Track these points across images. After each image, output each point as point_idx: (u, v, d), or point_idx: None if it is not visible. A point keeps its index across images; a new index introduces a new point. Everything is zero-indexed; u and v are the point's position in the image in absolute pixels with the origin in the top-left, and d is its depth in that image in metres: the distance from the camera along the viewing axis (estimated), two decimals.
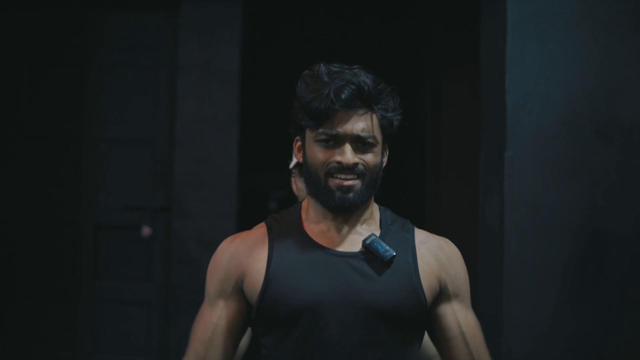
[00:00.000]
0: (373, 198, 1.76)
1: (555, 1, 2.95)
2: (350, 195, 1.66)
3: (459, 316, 1.73)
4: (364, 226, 1.74)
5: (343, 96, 1.64)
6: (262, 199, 6.04)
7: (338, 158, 1.66)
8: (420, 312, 1.68)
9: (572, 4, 2.95)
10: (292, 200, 2.57)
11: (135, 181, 4.38)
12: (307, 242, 1.70)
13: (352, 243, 1.71)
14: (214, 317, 1.71)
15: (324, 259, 1.67)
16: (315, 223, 1.73)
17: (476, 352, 1.73)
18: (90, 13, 4.43)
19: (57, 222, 4.42)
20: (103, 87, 4.40)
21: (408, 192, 5.93)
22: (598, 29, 2.95)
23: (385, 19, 6.04)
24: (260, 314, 1.67)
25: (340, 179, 1.66)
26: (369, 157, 1.68)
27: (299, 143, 1.76)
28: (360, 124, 1.66)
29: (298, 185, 2.44)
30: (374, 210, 1.77)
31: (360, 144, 1.67)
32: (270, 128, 4.44)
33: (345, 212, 1.69)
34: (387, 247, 1.67)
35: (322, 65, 1.69)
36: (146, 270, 4.37)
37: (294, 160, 2.44)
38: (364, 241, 1.68)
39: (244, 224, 3.98)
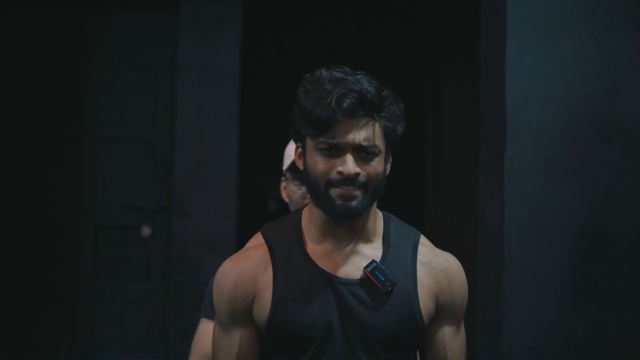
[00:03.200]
0: (376, 206, 1.74)
1: (555, 1, 2.95)
2: (353, 203, 1.63)
3: (447, 340, 1.75)
4: (366, 245, 1.72)
5: (345, 105, 1.59)
6: (262, 199, 6.04)
7: (339, 168, 1.62)
8: (418, 335, 1.71)
9: (572, 4, 2.95)
10: None
11: (135, 181, 4.38)
12: (311, 268, 1.68)
13: (354, 266, 1.69)
14: (234, 347, 1.70)
15: (327, 287, 1.67)
16: (317, 243, 1.71)
17: None
18: (90, 13, 4.43)
19: (57, 222, 4.41)
20: (103, 87, 4.41)
21: (408, 192, 5.92)
22: (598, 29, 2.94)
23: (385, 19, 6.03)
24: (268, 338, 1.68)
25: (341, 188, 1.63)
26: (371, 167, 1.64)
27: (299, 150, 1.73)
28: (362, 133, 1.62)
29: (290, 188, 2.29)
30: (377, 222, 1.75)
31: (363, 153, 1.63)
32: (270, 128, 4.44)
33: (346, 219, 1.67)
34: (388, 275, 1.67)
35: (324, 70, 1.65)
36: (146, 270, 4.36)
37: (287, 164, 2.32)
38: (365, 268, 1.68)
39: (244, 224, 3.98)
